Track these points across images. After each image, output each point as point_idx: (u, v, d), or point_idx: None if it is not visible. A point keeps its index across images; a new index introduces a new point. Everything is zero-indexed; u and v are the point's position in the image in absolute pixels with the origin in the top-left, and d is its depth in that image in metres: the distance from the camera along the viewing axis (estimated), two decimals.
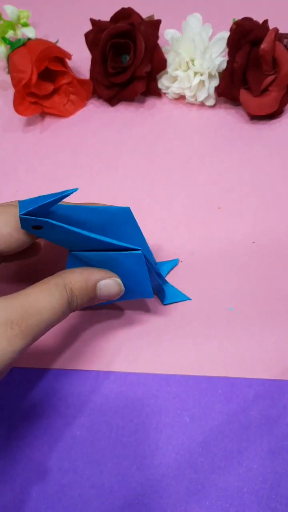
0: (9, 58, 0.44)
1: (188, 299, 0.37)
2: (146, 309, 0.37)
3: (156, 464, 0.32)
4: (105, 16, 0.45)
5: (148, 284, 0.32)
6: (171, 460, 0.32)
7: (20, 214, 0.27)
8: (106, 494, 0.31)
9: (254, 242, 0.39)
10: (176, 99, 0.47)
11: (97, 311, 0.37)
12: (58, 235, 0.28)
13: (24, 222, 0.27)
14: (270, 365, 0.34)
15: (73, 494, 0.31)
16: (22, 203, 0.28)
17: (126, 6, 0.44)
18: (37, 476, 0.32)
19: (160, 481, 0.31)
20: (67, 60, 0.45)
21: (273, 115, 0.44)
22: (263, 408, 0.33)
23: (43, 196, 0.28)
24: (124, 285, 0.32)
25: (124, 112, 0.47)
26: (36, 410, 0.34)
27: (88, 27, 0.46)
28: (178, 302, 0.37)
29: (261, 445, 0.32)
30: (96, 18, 0.45)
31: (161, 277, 0.37)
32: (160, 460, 0.32)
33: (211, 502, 0.31)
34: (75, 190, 0.28)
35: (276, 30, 0.40)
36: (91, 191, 0.43)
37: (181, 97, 0.47)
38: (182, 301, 0.37)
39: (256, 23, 0.42)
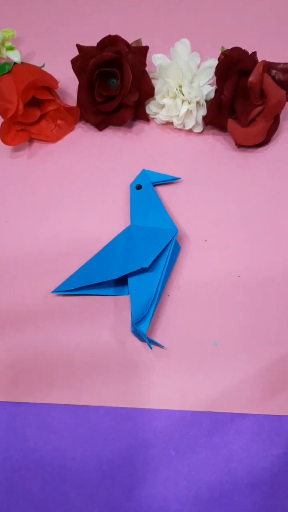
0: None
1: (158, 346, 0.38)
2: (135, 345, 0.38)
3: (144, 495, 0.34)
4: (92, 31, 0.44)
5: (153, 256, 0.38)
6: (157, 492, 0.34)
7: (52, 292, 0.39)
8: None
9: (239, 276, 0.40)
10: (164, 124, 0.47)
11: (85, 342, 0.38)
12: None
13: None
14: (253, 399, 0.36)
15: None
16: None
17: (113, 27, 0.43)
18: (31, 508, 0.34)
19: None
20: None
21: (260, 144, 0.44)
22: (244, 442, 0.35)
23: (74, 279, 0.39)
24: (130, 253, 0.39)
25: (112, 137, 0.47)
26: (29, 443, 0.36)
27: (74, 43, 0.45)
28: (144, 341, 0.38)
29: (241, 478, 0.34)
30: (81, 34, 0.44)
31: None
32: (147, 491, 0.34)
33: None
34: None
35: (264, 62, 0.40)
36: (80, 217, 0.43)
37: (169, 122, 0.47)
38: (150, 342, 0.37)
39: (244, 52, 0.41)
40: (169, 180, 0.44)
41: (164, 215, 0.40)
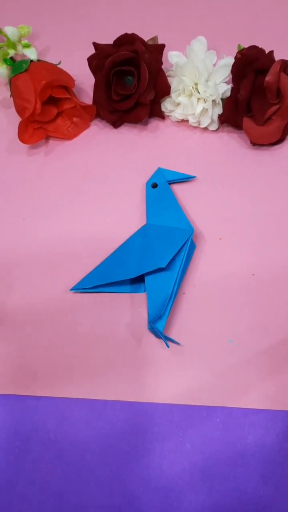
0: (11, 82, 0.44)
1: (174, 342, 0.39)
2: (151, 341, 0.39)
3: (160, 487, 0.35)
4: (107, 25, 0.44)
5: (169, 256, 0.38)
6: (173, 484, 0.35)
7: (70, 290, 0.40)
8: None
9: (253, 275, 0.41)
10: (179, 121, 0.47)
11: (102, 338, 0.39)
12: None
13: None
14: (266, 395, 0.37)
15: None
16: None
17: (129, 23, 0.43)
18: (52, 497, 0.36)
19: (163, 503, 0.35)
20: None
21: (275, 143, 0.45)
22: (258, 437, 0.36)
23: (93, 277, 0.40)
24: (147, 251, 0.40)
25: (127, 134, 0.47)
26: (49, 436, 0.37)
27: (90, 38, 0.45)
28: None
29: (255, 470, 0.35)
30: (96, 29, 0.44)
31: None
32: (163, 483, 0.36)
33: None
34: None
35: (281, 62, 0.40)
36: (96, 214, 0.44)
37: (184, 120, 0.47)
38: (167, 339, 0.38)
39: (261, 51, 0.41)
40: (185, 179, 0.44)
41: (180, 214, 0.41)
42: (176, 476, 0.36)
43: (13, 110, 0.48)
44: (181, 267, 0.39)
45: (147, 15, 0.54)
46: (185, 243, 0.39)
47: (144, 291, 0.40)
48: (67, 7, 0.57)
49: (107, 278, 0.39)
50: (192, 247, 0.41)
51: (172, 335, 0.39)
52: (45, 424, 0.37)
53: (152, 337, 0.39)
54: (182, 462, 0.36)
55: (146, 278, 0.39)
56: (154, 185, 0.43)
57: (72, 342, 0.39)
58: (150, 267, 0.38)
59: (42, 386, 0.38)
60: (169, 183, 0.44)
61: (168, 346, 0.38)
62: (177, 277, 0.38)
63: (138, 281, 0.40)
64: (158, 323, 0.37)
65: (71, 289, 0.40)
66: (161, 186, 0.43)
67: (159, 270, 0.39)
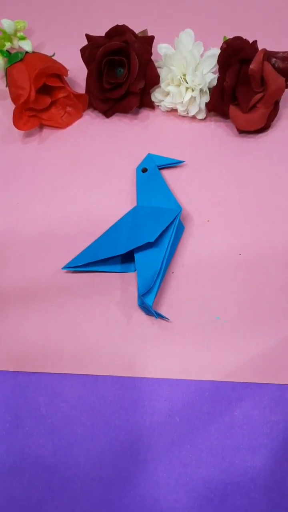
0: (7, 72, 0.46)
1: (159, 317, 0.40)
2: (141, 319, 0.40)
3: (149, 459, 0.36)
4: (100, 21, 0.46)
5: (158, 231, 0.39)
6: (162, 456, 0.36)
7: (62, 268, 0.41)
8: (105, 486, 0.35)
9: (240, 254, 0.42)
10: (168, 111, 0.49)
11: (93, 316, 0.40)
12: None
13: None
14: (253, 369, 0.38)
15: (75, 487, 0.35)
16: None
17: (120, 18, 0.45)
18: (43, 471, 0.36)
19: (152, 475, 0.35)
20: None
21: (261, 130, 0.46)
22: (245, 409, 0.37)
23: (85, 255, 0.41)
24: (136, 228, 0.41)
25: (118, 124, 0.49)
26: (41, 411, 0.38)
27: (83, 33, 0.47)
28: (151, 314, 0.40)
29: (242, 442, 0.36)
30: (90, 25, 0.46)
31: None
32: (152, 455, 0.36)
33: (197, 493, 0.35)
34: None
35: (264, 51, 0.42)
36: (88, 199, 0.45)
37: (173, 110, 0.49)
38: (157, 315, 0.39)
39: (245, 42, 0.43)
40: (174, 164, 0.46)
41: (169, 195, 0.42)
42: (165, 448, 0.36)
43: (8, 101, 0.50)
44: (170, 244, 0.40)
45: (138, 11, 0.57)
46: (173, 221, 0.40)
47: (135, 270, 0.41)
48: (60, 4, 0.59)
49: (98, 256, 0.40)
50: (181, 228, 0.42)
51: (161, 312, 0.40)
52: (37, 400, 0.38)
53: (142, 315, 0.40)
54: (171, 435, 0.37)
55: (136, 255, 0.40)
56: (144, 170, 0.45)
57: (63, 320, 0.40)
58: (139, 242, 0.39)
59: (33, 362, 0.39)
60: (159, 168, 0.45)
61: (156, 317, 0.39)
62: (165, 254, 0.39)
63: (128, 260, 0.41)
64: (148, 297, 0.38)
65: (63, 268, 0.41)
66: (151, 171, 0.44)
67: (148, 246, 0.40)
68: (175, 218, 0.41)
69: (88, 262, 0.40)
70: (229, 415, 0.37)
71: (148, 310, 0.39)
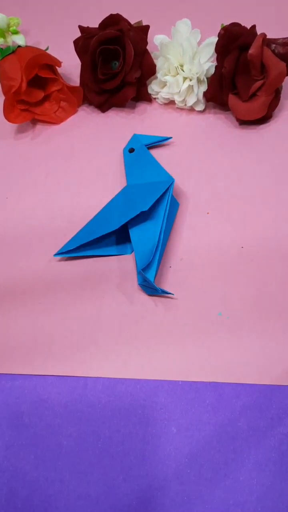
0: None
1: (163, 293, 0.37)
2: (135, 314, 0.36)
3: (143, 475, 0.32)
4: (96, 23, 0.45)
5: (151, 200, 0.37)
6: (158, 471, 0.32)
7: (54, 255, 0.38)
8: (92, 505, 0.31)
9: (242, 247, 0.39)
10: (166, 104, 0.47)
11: (85, 312, 0.37)
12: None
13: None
14: (258, 370, 0.34)
15: (59, 505, 0.31)
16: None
17: (114, 13, 0.44)
18: (23, 486, 0.32)
19: (146, 493, 0.31)
20: (57, 67, 0.45)
21: (262, 120, 0.44)
22: (251, 419, 0.33)
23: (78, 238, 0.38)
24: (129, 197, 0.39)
25: (115, 118, 0.47)
26: (23, 419, 0.34)
27: (78, 33, 0.45)
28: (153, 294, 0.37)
29: (248, 456, 0.32)
30: (86, 25, 0.45)
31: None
32: (146, 471, 0.32)
33: None
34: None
35: (263, 35, 0.39)
36: (80, 193, 0.43)
37: (171, 102, 0.47)
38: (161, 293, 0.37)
39: (244, 28, 0.41)
40: (161, 141, 0.44)
41: (159, 169, 0.41)
42: (160, 463, 0.32)
43: (1, 99, 0.48)
44: (165, 216, 0.37)
45: (134, 5, 0.56)
46: (166, 191, 0.38)
47: (131, 251, 0.38)
48: (55, 3, 0.59)
49: (91, 235, 0.37)
50: (175, 204, 0.40)
51: (159, 309, 0.36)
52: (19, 407, 0.34)
53: (138, 311, 0.36)
54: (167, 447, 0.32)
55: (131, 231, 0.37)
56: (131, 150, 0.43)
57: (53, 316, 0.37)
58: (132, 214, 0.37)
59: (17, 363, 0.35)
60: (147, 148, 0.44)
61: (159, 292, 0.36)
62: (162, 226, 0.37)
63: (124, 241, 0.39)
64: (148, 272, 0.35)
65: (55, 254, 0.38)
66: (138, 150, 0.43)
67: (143, 220, 0.37)
68: (168, 189, 0.39)
69: (82, 245, 0.38)
70: (232, 425, 0.33)
71: (150, 286, 0.35)
